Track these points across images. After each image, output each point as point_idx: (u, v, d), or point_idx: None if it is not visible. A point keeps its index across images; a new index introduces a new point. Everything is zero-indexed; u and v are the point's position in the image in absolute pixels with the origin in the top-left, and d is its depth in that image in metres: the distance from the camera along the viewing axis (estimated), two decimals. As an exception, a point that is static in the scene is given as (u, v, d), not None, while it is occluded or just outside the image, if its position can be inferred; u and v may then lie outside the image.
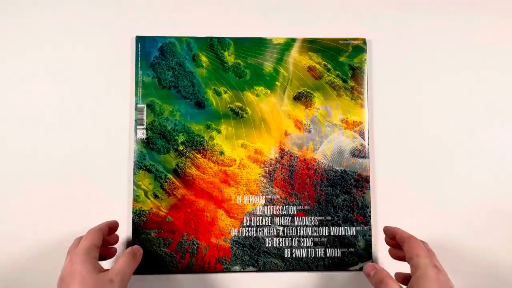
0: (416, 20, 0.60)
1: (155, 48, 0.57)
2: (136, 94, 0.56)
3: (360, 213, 0.56)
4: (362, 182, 0.57)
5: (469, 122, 0.59)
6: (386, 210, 0.57)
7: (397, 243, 0.50)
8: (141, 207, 0.55)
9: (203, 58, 0.57)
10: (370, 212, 0.56)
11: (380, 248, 0.56)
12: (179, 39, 0.57)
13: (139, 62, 0.57)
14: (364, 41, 0.58)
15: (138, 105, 0.56)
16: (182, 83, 0.57)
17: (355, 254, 0.56)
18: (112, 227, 0.52)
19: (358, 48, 0.58)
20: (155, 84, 0.57)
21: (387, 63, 0.59)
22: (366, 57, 0.58)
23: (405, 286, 0.45)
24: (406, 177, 0.58)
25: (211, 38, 0.58)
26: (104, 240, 0.49)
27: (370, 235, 0.56)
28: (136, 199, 0.55)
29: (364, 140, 0.57)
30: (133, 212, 0.55)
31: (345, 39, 0.58)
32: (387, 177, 0.58)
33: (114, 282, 0.44)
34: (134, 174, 0.55)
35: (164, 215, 0.55)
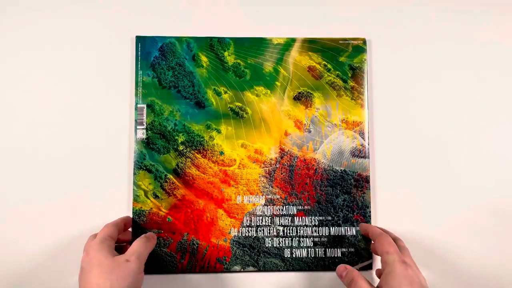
0: (416, 20, 0.60)
1: (155, 48, 0.57)
2: (136, 94, 0.56)
3: (360, 213, 0.56)
4: (362, 182, 0.57)
5: (469, 122, 0.59)
6: (386, 210, 0.57)
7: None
8: (141, 207, 0.55)
9: (203, 58, 0.57)
10: (370, 212, 0.56)
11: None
12: (179, 39, 0.57)
13: (139, 62, 0.57)
14: (364, 41, 0.58)
15: (138, 105, 0.56)
16: (182, 83, 0.57)
17: (355, 254, 0.56)
18: (127, 223, 0.53)
19: (358, 48, 0.58)
20: (155, 84, 0.56)
21: (387, 63, 0.59)
22: (366, 57, 0.58)
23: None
24: (406, 177, 0.58)
25: (211, 38, 0.58)
26: (118, 239, 0.51)
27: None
28: (136, 199, 0.55)
29: (364, 140, 0.57)
30: (133, 212, 0.55)
31: (345, 39, 0.58)
32: (387, 177, 0.57)
33: (130, 261, 0.45)
34: (134, 174, 0.55)
35: (164, 215, 0.55)
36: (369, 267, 0.56)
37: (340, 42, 0.58)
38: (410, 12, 0.60)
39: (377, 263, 0.56)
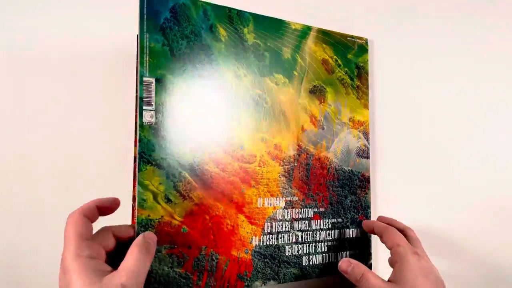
0: (418, 21, 0.62)
1: (166, 8, 0.44)
2: (142, 64, 0.42)
3: (363, 214, 0.55)
4: (365, 182, 0.56)
5: (470, 123, 0.61)
6: (386, 211, 0.57)
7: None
8: (148, 215, 0.41)
9: (222, 31, 0.47)
10: (370, 212, 0.56)
11: (380, 248, 0.56)
12: (194, 2, 0.46)
13: (145, 22, 0.42)
14: (366, 41, 0.58)
15: (145, 78, 0.42)
16: (199, 58, 0.45)
17: (357, 255, 0.54)
18: (105, 206, 0.38)
19: (361, 47, 0.58)
20: (166, 53, 0.43)
21: (388, 64, 0.60)
22: (368, 57, 0.58)
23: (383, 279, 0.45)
24: (406, 177, 0.59)
25: (229, 9, 0.48)
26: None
27: (370, 235, 0.56)
28: (142, 204, 0.40)
29: (367, 140, 0.57)
30: (137, 222, 0.40)
31: (352, 36, 0.57)
32: (387, 177, 0.58)
33: (127, 287, 0.32)
34: (140, 170, 0.41)
35: (179, 224, 0.42)
36: (369, 267, 0.55)
37: (348, 38, 0.57)
38: (411, 12, 0.62)
39: (377, 263, 0.56)
